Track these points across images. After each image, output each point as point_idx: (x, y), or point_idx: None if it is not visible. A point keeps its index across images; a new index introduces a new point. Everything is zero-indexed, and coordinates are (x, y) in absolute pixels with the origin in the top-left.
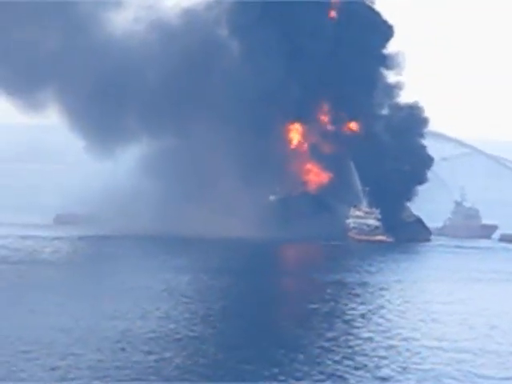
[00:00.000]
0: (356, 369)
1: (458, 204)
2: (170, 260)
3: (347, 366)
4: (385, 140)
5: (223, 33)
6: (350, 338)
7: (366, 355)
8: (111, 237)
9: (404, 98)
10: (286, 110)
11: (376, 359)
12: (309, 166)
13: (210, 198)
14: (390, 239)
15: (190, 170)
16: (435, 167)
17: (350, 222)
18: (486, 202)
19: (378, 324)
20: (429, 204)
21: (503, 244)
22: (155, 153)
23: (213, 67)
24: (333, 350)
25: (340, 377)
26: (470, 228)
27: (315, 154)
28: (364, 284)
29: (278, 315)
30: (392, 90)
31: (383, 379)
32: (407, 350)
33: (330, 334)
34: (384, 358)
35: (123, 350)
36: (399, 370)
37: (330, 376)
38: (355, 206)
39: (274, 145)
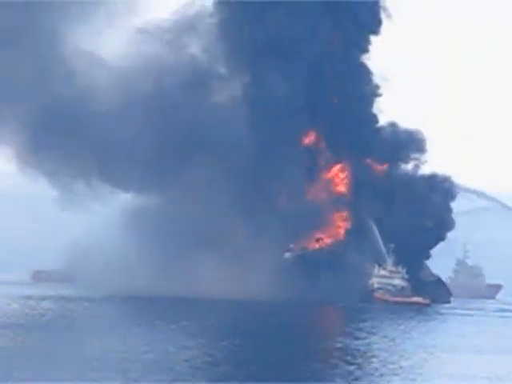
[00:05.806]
0: None
1: (460, 262)
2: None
3: None
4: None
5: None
6: None
7: None
8: (104, 298)
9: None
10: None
11: None
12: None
13: (216, 256)
14: (427, 301)
15: (190, 226)
16: None
17: (374, 281)
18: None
19: None
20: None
21: None
22: (141, 206)
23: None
24: None
25: None
26: (474, 288)
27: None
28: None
29: None
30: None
31: None
32: None
33: None
34: None
35: None
36: None
37: None
38: (380, 265)
39: (285, 198)
